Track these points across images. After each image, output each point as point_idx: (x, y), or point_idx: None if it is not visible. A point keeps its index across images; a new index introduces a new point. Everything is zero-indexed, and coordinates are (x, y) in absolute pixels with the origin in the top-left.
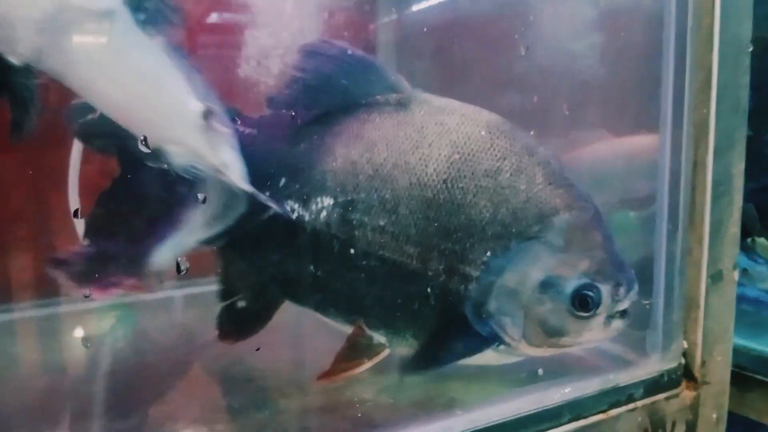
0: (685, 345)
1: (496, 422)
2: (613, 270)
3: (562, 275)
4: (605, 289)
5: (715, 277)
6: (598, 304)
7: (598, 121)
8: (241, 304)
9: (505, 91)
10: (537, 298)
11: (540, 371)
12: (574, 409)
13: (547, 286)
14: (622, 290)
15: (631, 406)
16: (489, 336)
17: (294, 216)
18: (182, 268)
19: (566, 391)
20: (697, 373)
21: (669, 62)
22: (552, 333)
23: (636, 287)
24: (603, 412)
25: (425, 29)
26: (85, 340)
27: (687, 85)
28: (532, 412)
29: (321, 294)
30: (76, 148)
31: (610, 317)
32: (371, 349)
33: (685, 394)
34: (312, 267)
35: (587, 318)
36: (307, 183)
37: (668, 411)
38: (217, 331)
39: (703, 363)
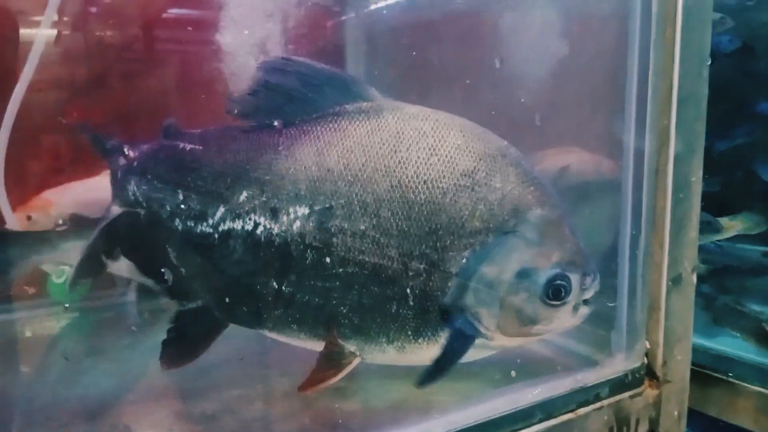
0: (648, 345)
1: (474, 423)
2: (581, 261)
3: (536, 266)
4: (575, 279)
5: (676, 280)
6: (568, 293)
7: (565, 130)
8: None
9: (473, 102)
10: (513, 289)
11: (513, 373)
12: (545, 409)
13: (522, 276)
14: (588, 279)
15: (598, 405)
16: (466, 330)
17: (258, 230)
18: None
19: (537, 391)
20: (659, 372)
21: (633, 72)
22: (525, 321)
23: (599, 277)
24: (572, 411)
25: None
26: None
27: (650, 94)
28: (507, 412)
29: (283, 311)
30: None
31: (578, 305)
32: (343, 358)
33: (648, 392)
34: (274, 283)
35: (558, 306)
36: (276, 194)
37: (632, 409)
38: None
39: (665, 362)
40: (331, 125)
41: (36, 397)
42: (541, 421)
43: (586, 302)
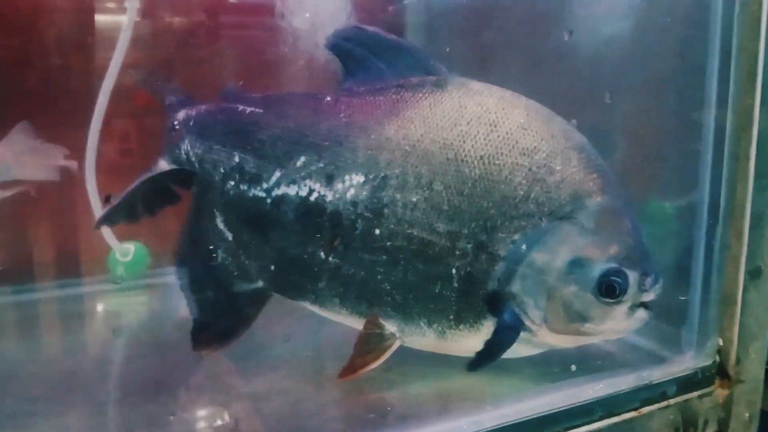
0: (721, 342)
1: (527, 418)
2: (641, 258)
3: (590, 257)
4: (632, 276)
5: (754, 273)
6: (624, 291)
7: (636, 111)
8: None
9: (542, 77)
10: (563, 280)
11: (573, 367)
12: (606, 406)
13: (574, 267)
14: (648, 280)
15: (664, 403)
16: (511, 321)
17: (312, 197)
18: None
19: (599, 387)
20: (731, 371)
21: (714, 49)
22: (574, 318)
23: (661, 281)
24: (635, 409)
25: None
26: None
27: (732, 72)
28: (563, 408)
29: (328, 283)
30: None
31: (634, 307)
32: (384, 341)
33: (719, 392)
34: (322, 253)
35: (611, 305)
36: (333, 161)
37: (701, 409)
38: (191, 341)
39: (738, 361)
40: (393, 96)
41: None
42: (601, 418)
43: (645, 306)
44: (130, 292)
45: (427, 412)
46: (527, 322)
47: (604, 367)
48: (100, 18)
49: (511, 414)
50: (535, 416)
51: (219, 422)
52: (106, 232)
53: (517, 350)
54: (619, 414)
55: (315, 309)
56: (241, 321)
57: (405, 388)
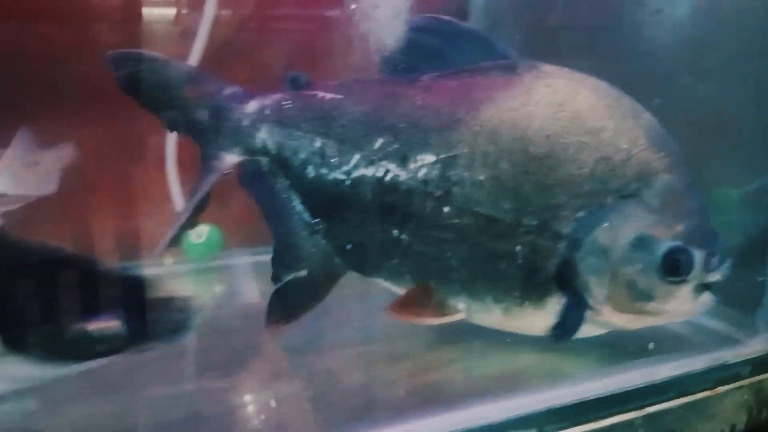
0: None
1: (604, 394)
2: (707, 237)
3: (655, 235)
4: (698, 255)
5: None
6: (688, 270)
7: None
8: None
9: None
10: (627, 258)
11: (651, 345)
12: (681, 385)
13: (639, 244)
14: (714, 260)
15: (737, 384)
16: (574, 299)
17: (387, 177)
18: None
19: (673, 366)
20: None
21: None
22: (638, 296)
23: (728, 262)
24: (709, 389)
25: None
26: None
27: None
28: (640, 386)
29: (400, 260)
30: None
31: (700, 288)
32: (444, 309)
33: None
34: (395, 230)
35: (676, 283)
36: (407, 141)
37: None
38: (266, 316)
39: None
40: (465, 79)
41: None
42: (676, 396)
43: (710, 288)
44: (200, 274)
45: (503, 387)
46: (590, 301)
47: (677, 349)
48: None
49: (589, 391)
50: (611, 393)
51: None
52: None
53: (583, 331)
54: (693, 393)
55: (388, 285)
56: (313, 298)
57: (481, 364)
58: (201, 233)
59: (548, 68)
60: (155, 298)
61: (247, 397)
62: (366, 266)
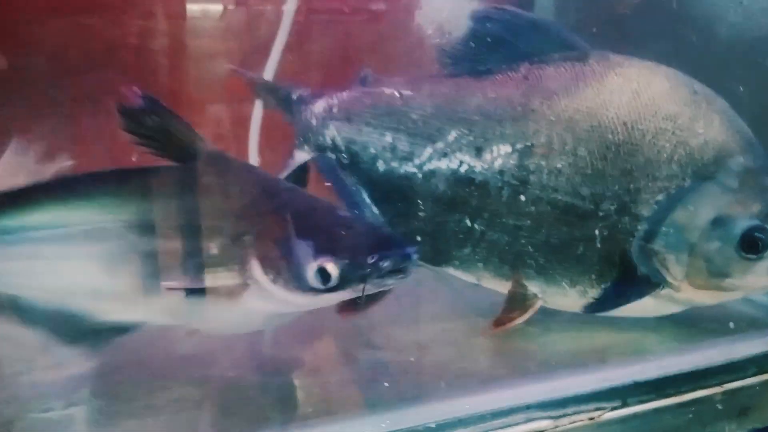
0: None
1: (688, 370)
2: None
3: (733, 215)
4: None
5: None
6: (766, 247)
7: None
8: None
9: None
10: (706, 236)
11: (731, 324)
12: (759, 364)
13: (717, 224)
14: None
15: None
16: (653, 276)
17: (462, 168)
18: None
19: (753, 344)
20: None
21: None
22: (716, 273)
23: None
24: None
25: None
26: None
27: None
28: (720, 363)
29: (472, 249)
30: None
31: None
32: (527, 300)
33: None
34: (468, 220)
35: (753, 260)
36: (482, 134)
37: None
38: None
39: None
40: (536, 71)
41: None
42: (753, 374)
43: None
44: None
45: (585, 362)
46: (669, 279)
47: (753, 329)
48: None
49: (670, 366)
50: (692, 370)
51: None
52: None
53: (660, 308)
54: None
55: (458, 274)
56: None
57: (565, 342)
58: None
59: (618, 58)
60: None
61: None
62: (436, 256)
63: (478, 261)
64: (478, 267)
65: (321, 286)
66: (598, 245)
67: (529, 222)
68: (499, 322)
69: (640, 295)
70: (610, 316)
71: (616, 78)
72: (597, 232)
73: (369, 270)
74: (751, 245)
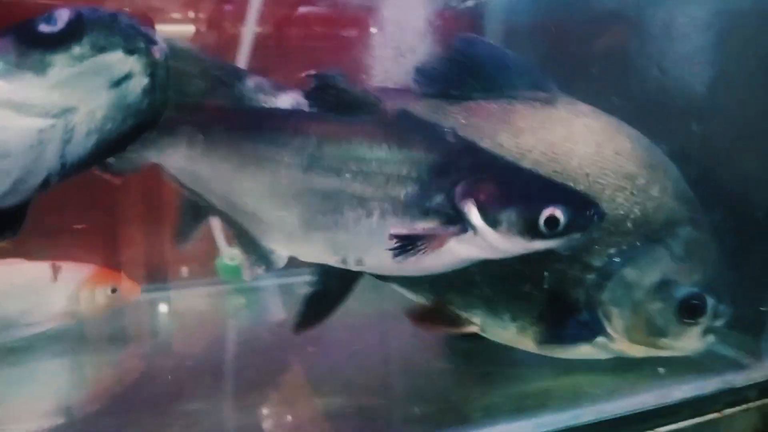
0: None
1: (623, 414)
2: (721, 287)
3: (677, 280)
4: (711, 303)
5: None
6: (702, 315)
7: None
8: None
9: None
10: (649, 296)
11: (661, 370)
12: (692, 407)
13: (661, 287)
14: (722, 308)
15: (745, 406)
16: (593, 324)
17: None
18: None
19: (685, 389)
20: None
21: None
22: (654, 332)
23: (731, 311)
24: (718, 411)
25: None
26: None
27: None
28: (654, 407)
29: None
30: None
31: (707, 331)
32: (458, 322)
33: None
34: None
35: (689, 325)
36: None
37: None
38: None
39: None
40: (507, 106)
41: None
42: (687, 418)
43: (714, 331)
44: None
45: (525, 407)
46: (609, 330)
47: (688, 372)
48: None
49: (608, 410)
50: (629, 413)
51: None
52: (217, 235)
53: (592, 353)
54: (703, 414)
55: (402, 291)
56: (336, 301)
57: (504, 385)
58: (234, 256)
59: (585, 108)
60: None
61: None
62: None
63: (425, 281)
64: (424, 288)
65: (547, 233)
66: (546, 286)
67: None
68: (419, 318)
69: (579, 340)
70: (549, 358)
71: (583, 128)
72: (546, 273)
73: (585, 221)
74: (689, 311)
